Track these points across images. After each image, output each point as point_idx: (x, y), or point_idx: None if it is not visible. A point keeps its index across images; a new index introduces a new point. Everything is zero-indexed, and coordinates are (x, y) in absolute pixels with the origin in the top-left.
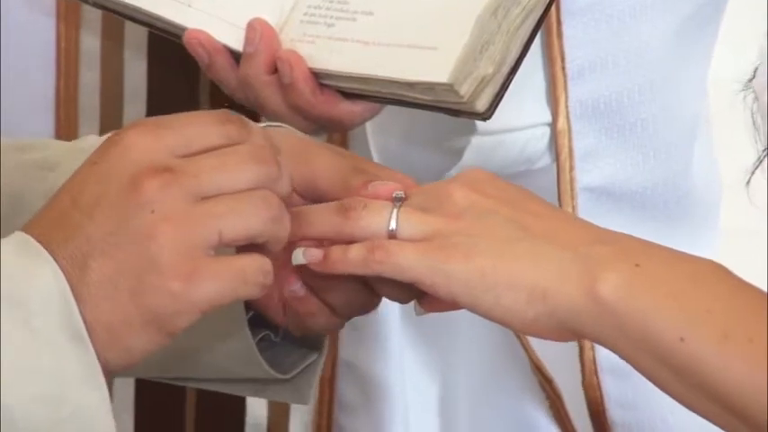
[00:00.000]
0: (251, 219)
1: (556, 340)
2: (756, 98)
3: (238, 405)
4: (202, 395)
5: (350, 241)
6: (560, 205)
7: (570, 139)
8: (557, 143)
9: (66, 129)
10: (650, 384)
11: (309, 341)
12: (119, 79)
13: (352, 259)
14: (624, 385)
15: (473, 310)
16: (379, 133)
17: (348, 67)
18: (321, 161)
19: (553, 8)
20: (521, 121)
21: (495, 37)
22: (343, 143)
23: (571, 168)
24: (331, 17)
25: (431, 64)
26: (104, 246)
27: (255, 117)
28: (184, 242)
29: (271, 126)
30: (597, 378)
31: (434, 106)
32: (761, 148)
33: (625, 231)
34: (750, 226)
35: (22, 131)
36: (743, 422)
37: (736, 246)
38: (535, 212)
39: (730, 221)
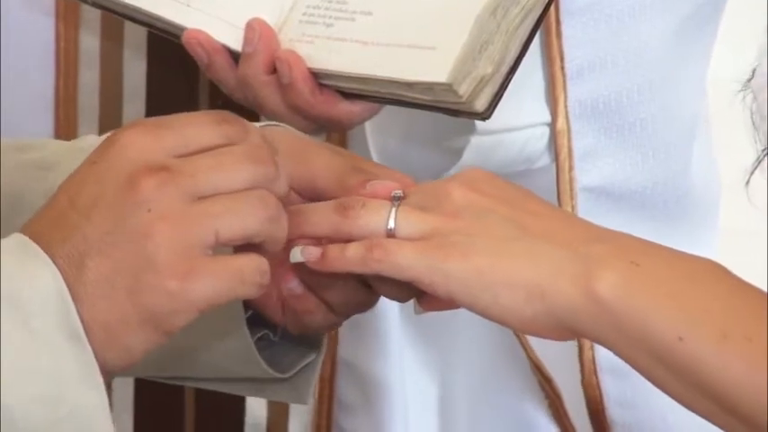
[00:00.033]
0: (248, 218)
1: (554, 339)
2: (755, 98)
3: (238, 405)
4: (201, 395)
5: (348, 240)
6: (559, 205)
7: (569, 139)
8: (556, 143)
9: (65, 128)
10: (649, 384)
11: (308, 340)
12: (118, 79)
13: (350, 257)
14: (623, 384)
15: (471, 308)
16: (379, 133)
17: (347, 66)
18: (320, 160)
19: (552, 8)
20: (520, 120)
21: (494, 37)
22: (343, 143)
23: (570, 168)
24: (330, 17)
25: (430, 64)
26: (101, 245)
27: (254, 117)
28: (181, 241)
29: (269, 125)
30: (596, 377)
31: (433, 106)
32: (760, 147)
33: (624, 231)
34: (749, 226)
35: (21, 131)
36: (741, 422)
37: (735, 246)
38: (533, 211)
39: (729, 221)
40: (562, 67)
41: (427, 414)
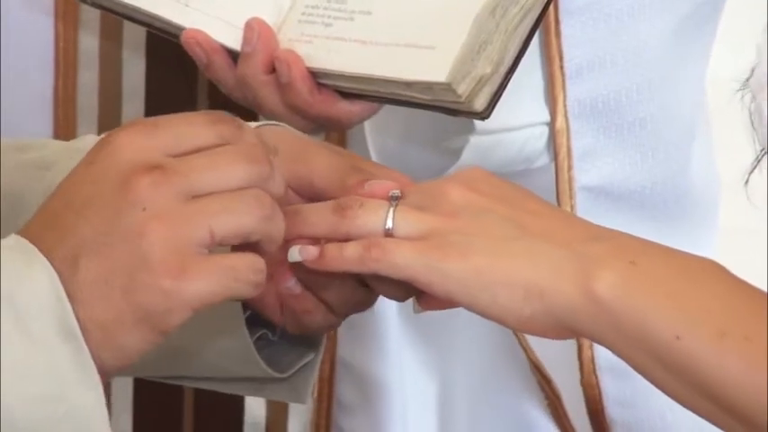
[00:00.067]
0: (242, 217)
1: (552, 338)
2: (754, 97)
3: (237, 404)
4: (201, 395)
5: (346, 240)
6: (559, 205)
7: (568, 139)
8: (555, 142)
9: (64, 128)
10: (649, 383)
11: (307, 340)
12: (117, 79)
13: (348, 257)
14: (623, 384)
15: (470, 308)
16: (378, 133)
17: (346, 66)
18: (318, 160)
19: (551, 7)
20: (519, 120)
21: (494, 36)
22: (342, 143)
23: (569, 168)
24: (329, 17)
25: (429, 63)
26: (96, 245)
27: (253, 116)
28: (175, 240)
29: (268, 125)
30: (596, 377)
31: (432, 105)
32: (759, 147)
33: (624, 231)
34: (749, 225)
35: (20, 131)
36: (739, 421)
37: (734, 245)
38: (532, 211)
39: (729, 221)
40: (561, 67)
41: (426, 414)
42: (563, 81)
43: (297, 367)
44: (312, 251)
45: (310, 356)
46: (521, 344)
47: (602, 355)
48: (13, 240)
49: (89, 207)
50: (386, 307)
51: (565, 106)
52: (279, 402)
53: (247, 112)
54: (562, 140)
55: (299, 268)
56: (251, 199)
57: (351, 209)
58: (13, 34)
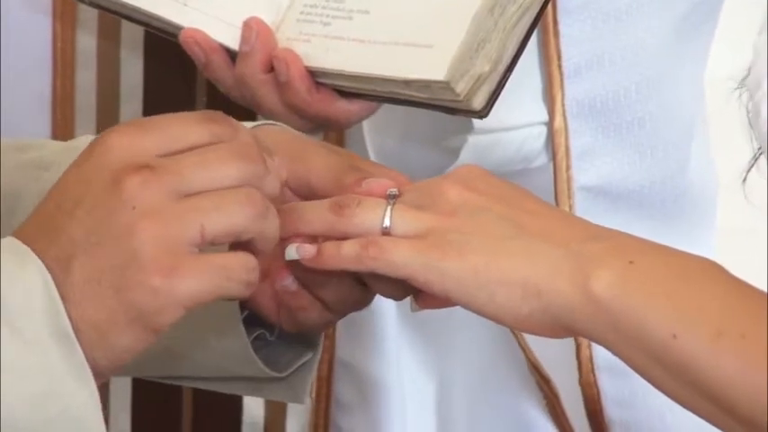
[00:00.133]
0: (234, 215)
1: (550, 337)
2: (751, 96)
3: (235, 404)
4: (199, 394)
5: (344, 238)
6: (557, 204)
7: (567, 138)
8: (553, 142)
9: (62, 128)
10: (647, 383)
11: (305, 340)
12: (115, 78)
13: (345, 255)
14: (621, 384)
15: (467, 307)
16: (376, 132)
17: (344, 65)
18: (317, 159)
19: (549, 6)
20: (517, 119)
21: (492, 35)
22: (340, 142)
23: (568, 167)
24: (327, 16)
25: (427, 62)
26: (87, 245)
27: (252, 116)
28: (166, 238)
29: (267, 124)
30: (594, 376)
31: (431, 104)
32: (756, 146)
33: (622, 230)
34: (747, 224)
35: (18, 131)
36: (736, 420)
37: (732, 244)
38: (530, 210)
39: (727, 220)
40: (559, 66)
41: (425, 413)
42: (561, 80)
43: (295, 367)
44: (309, 249)
45: (308, 356)
46: (519, 343)
47: (601, 354)
48: (7, 242)
49: (81, 207)
50: (384, 306)
51: (563, 106)
52: (277, 402)
53: (246, 111)
54: (560, 140)
55: (295, 266)
56: (243, 197)
57: (348, 207)
58: (12, 34)
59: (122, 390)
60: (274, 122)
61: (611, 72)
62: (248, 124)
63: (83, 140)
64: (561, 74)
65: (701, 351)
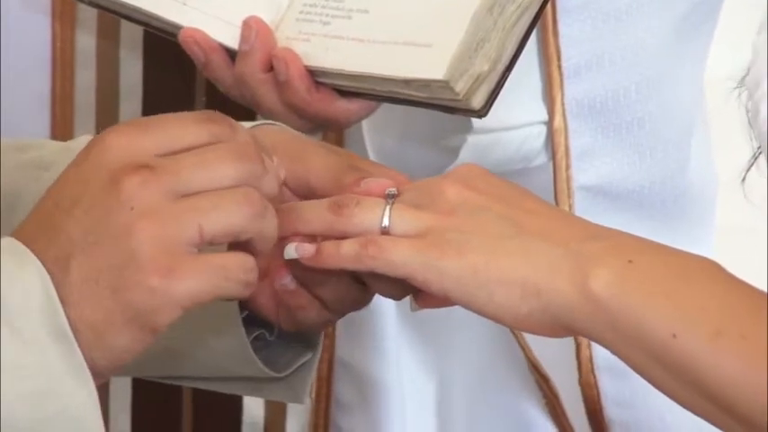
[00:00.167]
0: (232, 215)
1: (549, 336)
2: (750, 96)
3: (235, 404)
4: (199, 395)
5: (343, 238)
6: (557, 204)
7: (566, 138)
8: (553, 142)
9: (62, 128)
10: (647, 383)
11: (304, 340)
12: (114, 78)
13: (344, 254)
14: (621, 384)
15: (467, 306)
16: (376, 132)
17: (344, 64)
18: (316, 159)
19: (549, 6)
20: (517, 119)
21: (491, 34)
22: (339, 142)
23: (567, 167)
24: (327, 15)
25: (426, 61)
26: (85, 245)
27: (252, 115)
28: (164, 238)
29: (266, 124)
30: (594, 376)
31: (430, 103)
32: (755, 145)
33: (622, 230)
34: (746, 223)
35: (18, 131)
36: (736, 420)
37: (732, 243)
38: (529, 209)
39: (727, 219)
40: (559, 66)
41: (424, 413)
42: (561, 80)
43: (294, 367)
44: (308, 248)
45: (308, 356)
46: (519, 342)
47: (601, 354)
48: (6, 242)
49: (79, 207)
50: (384, 306)
51: (563, 105)
52: (277, 402)
53: (245, 110)
54: (560, 140)
55: (294, 265)
56: (241, 197)
57: (347, 207)
58: (11, 34)
59: (122, 390)
60: (273, 122)
61: (610, 72)
62: (247, 124)
63: (82, 140)
64: (561, 74)
65: (700, 351)
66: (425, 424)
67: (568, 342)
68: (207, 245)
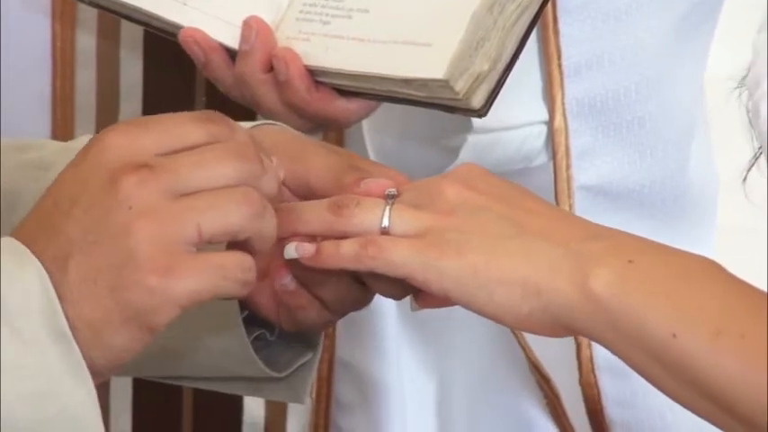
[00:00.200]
0: (230, 214)
1: (550, 336)
2: (750, 95)
3: (236, 404)
4: (200, 395)
5: (342, 238)
6: (557, 204)
7: (567, 138)
8: (553, 141)
9: (62, 128)
10: (648, 383)
11: (305, 340)
12: (115, 78)
13: (344, 254)
14: (622, 383)
15: (467, 306)
16: (376, 131)
17: (344, 64)
18: (316, 159)
19: (549, 6)
20: (517, 118)
21: (491, 33)
22: (340, 141)
23: (568, 167)
24: (327, 15)
25: (426, 60)
26: (84, 244)
27: (252, 115)
28: (162, 237)
29: (266, 124)
30: (594, 376)
31: (430, 103)
32: (756, 145)
33: (622, 229)
34: (747, 223)
35: (18, 131)
36: (736, 419)
37: (733, 243)
38: (529, 209)
39: (727, 219)
40: (559, 65)
41: (425, 413)
42: (561, 80)
43: (295, 367)
44: (308, 248)
45: (308, 356)
46: (519, 343)
47: (601, 354)
48: (6, 242)
49: (77, 206)
50: (384, 306)
51: (563, 105)
52: (278, 402)
53: (245, 110)
54: (560, 139)
55: (294, 265)
56: (240, 196)
57: (347, 207)
58: (11, 34)
59: (123, 390)
60: (274, 122)
61: (610, 72)
62: (248, 124)
63: (82, 140)
64: (561, 73)
65: (700, 350)
66: (426, 424)
67: (569, 342)
68: (206, 244)
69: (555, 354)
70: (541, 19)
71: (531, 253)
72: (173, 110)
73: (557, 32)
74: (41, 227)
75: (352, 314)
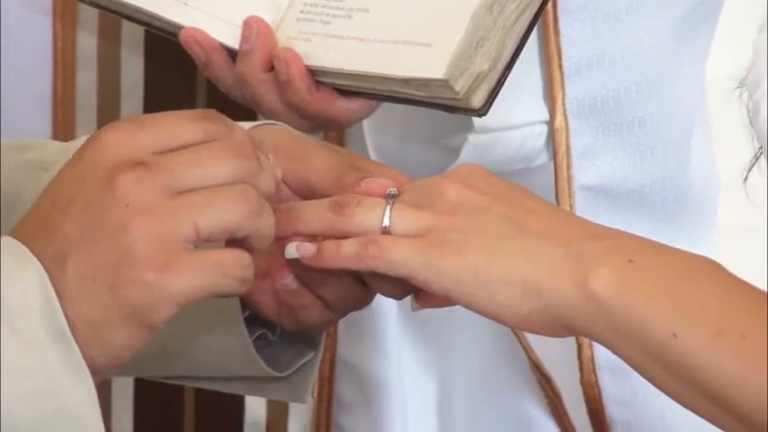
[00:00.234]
0: (228, 212)
1: (551, 336)
2: (751, 96)
3: (237, 404)
4: (201, 394)
5: (343, 238)
6: (558, 203)
7: (567, 137)
8: (554, 141)
9: (63, 128)
10: (648, 382)
11: (306, 339)
12: (116, 78)
13: (345, 254)
14: (622, 383)
15: (468, 306)
16: (377, 131)
17: (344, 64)
18: (317, 159)
19: (550, 6)
20: (518, 118)
21: (491, 33)
22: (341, 141)
23: (568, 167)
24: (327, 15)
25: (426, 60)
26: (81, 243)
27: (252, 115)
28: (159, 235)
29: (267, 124)
30: (595, 376)
31: (430, 102)
32: (757, 145)
33: (623, 229)
34: (747, 223)
35: (19, 131)
36: (736, 419)
37: (733, 243)
38: (530, 209)
39: (728, 219)
40: (560, 66)
41: (426, 413)
42: (562, 80)
43: (296, 366)
44: (309, 248)
45: (310, 355)
46: (520, 342)
47: (602, 354)
48: (5, 241)
49: (75, 205)
50: (385, 306)
51: (564, 105)
52: (279, 402)
53: (246, 110)
54: (561, 139)
55: (296, 265)
56: (237, 194)
57: (348, 207)
58: (12, 34)
59: (124, 390)
60: (275, 122)
61: (611, 72)
62: (249, 124)
63: (82, 141)
64: (562, 73)
65: (700, 350)
66: (427, 424)
67: (570, 342)
68: (204, 242)
69: (556, 353)
70: (542, 19)
71: (532, 253)
72: (173, 110)
73: (557, 33)
74: (40, 226)
75: (353, 314)
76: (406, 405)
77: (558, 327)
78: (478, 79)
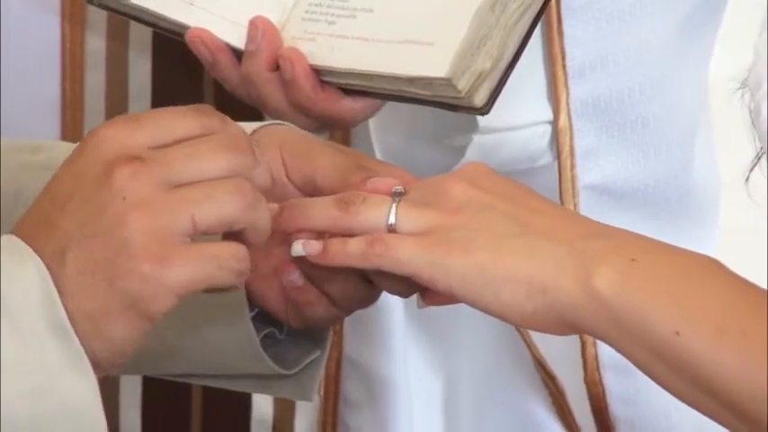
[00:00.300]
0: (224, 205)
1: (555, 334)
2: (752, 96)
3: (244, 402)
4: (208, 392)
5: (349, 235)
6: (561, 203)
7: (571, 138)
8: (558, 141)
9: (72, 130)
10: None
11: (313, 337)
12: (124, 80)
13: (351, 252)
14: (626, 381)
15: (473, 304)
16: (382, 131)
17: (349, 63)
18: (322, 158)
19: (554, 6)
20: (522, 119)
21: (493, 32)
22: (346, 141)
23: (572, 167)
24: (332, 15)
25: (429, 59)
26: (80, 238)
27: (258, 115)
28: (156, 228)
29: (273, 124)
30: (599, 374)
31: (433, 101)
32: (758, 145)
33: (626, 229)
34: (749, 223)
35: (28, 133)
36: (738, 417)
37: (735, 243)
38: (534, 208)
39: (730, 219)
40: (564, 66)
41: (431, 411)
42: (566, 80)
43: (303, 364)
44: (315, 246)
45: (316, 353)
46: (524, 340)
47: (606, 352)
48: (6, 239)
49: (73, 201)
50: (391, 305)
51: (568, 105)
52: (286, 400)
53: (252, 110)
54: (565, 139)
55: (302, 262)
56: (233, 187)
57: (353, 204)
58: (20, 36)
59: (132, 386)
60: (281, 122)
61: (614, 73)
62: (255, 124)
63: None
64: (565, 74)
65: (702, 348)
66: (432, 421)
67: (574, 340)
68: (201, 235)
69: (560, 351)
70: (546, 20)
71: (536, 251)
72: None
73: (561, 33)
74: (40, 224)
75: (358, 312)
76: (411, 403)
77: (562, 325)
78: (481, 78)
